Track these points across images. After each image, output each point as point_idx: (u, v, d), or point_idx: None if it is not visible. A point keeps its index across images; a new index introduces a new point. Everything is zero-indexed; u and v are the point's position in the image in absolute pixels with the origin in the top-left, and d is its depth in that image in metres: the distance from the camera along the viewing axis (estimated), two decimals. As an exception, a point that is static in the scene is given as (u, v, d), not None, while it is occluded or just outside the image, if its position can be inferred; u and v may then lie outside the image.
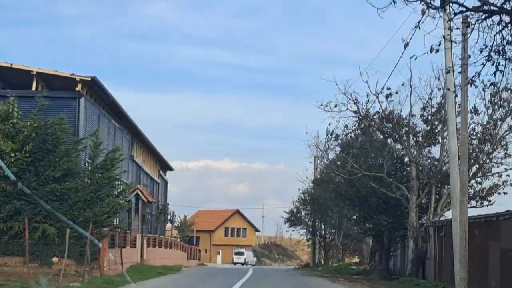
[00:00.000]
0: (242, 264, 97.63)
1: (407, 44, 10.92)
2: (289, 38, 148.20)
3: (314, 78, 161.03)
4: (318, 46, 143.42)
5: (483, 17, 9.82)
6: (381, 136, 35.40)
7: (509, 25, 9.86)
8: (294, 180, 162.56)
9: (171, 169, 60.84)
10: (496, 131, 30.88)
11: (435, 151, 33.36)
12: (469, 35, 12.04)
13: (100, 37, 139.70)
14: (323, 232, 57.43)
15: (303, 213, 55.45)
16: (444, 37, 12.70)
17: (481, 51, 10.24)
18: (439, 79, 31.51)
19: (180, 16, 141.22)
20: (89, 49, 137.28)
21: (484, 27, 9.94)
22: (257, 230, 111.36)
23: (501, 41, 9.98)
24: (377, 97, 31.05)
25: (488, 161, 31.78)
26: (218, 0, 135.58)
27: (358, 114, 33.39)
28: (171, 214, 59.52)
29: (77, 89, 30.72)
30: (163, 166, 59.27)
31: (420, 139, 33.07)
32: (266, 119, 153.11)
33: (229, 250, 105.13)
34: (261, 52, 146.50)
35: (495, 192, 32.97)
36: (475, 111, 30.86)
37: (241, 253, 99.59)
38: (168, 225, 64.33)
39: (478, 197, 33.04)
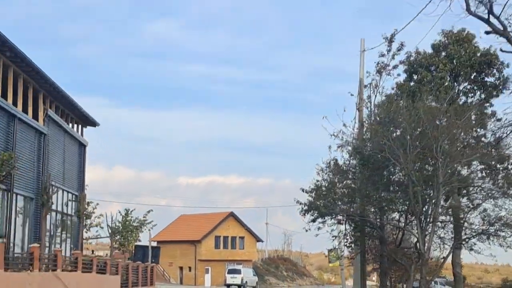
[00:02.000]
0: (239, 286, 70.69)
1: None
2: (293, 54, 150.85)
3: (319, 92, 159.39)
4: (322, 61, 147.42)
5: None
6: None
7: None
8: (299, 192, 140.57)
9: (92, 124, 33.94)
10: None
11: None
12: None
13: (104, 56, 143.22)
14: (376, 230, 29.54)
15: (339, 191, 27.95)
16: None
17: None
18: None
19: (184, 34, 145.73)
20: (92, 68, 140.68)
21: None
22: (259, 240, 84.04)
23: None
24: None
25: None
26: (221, 17, 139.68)
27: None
28: (89, 208, 32.77)
29: None
30: (80, 118, 32.60)
31: None
32: (270, 134, 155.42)
33: (221, 266, 77.85)
34: (265, 69, 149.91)
35: None
36: None
37: (237, 271, 72.34)
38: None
39: None
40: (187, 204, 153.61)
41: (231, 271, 72.50)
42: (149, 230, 40.25)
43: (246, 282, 72.02)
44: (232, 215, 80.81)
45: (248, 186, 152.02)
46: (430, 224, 24.76)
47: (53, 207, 27.33)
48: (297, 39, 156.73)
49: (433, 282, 79.44)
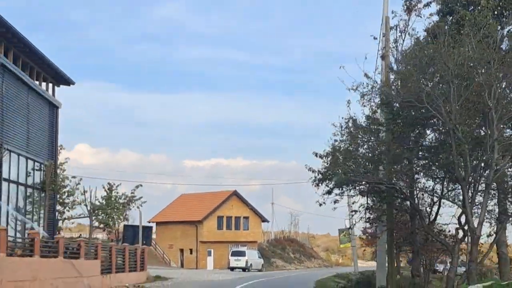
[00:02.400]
0: (243, 269, 65.95)
1: None
2: (300, 36, 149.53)
3: (325, 75, 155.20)
4: (329, 43, 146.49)
5: None
6: None
7: None
8: (306, 173, 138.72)
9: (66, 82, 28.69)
10: None
11: None
12: None
13: (110, 40, 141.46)
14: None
15: (360, 151, 22.40)
16: None
17: None
18: None
19: (190, 17, 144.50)
20: (99, 51, 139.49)
21: None
22: (264, 220, 79.00)
23: None
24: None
25: None
26: (228, 0, 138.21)
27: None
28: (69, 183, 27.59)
29: None
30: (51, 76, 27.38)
31: None
32: (276, 116, 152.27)
33: (224, 249, 72.97)
34: (271, 51, 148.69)
35: None
36: None
37: (241, 253, 67.53)
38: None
39: None
40: (192, 187, 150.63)
41: (235, 253, 67.65)
42: (139, 207, 35.19)
43: (251, 264, 67.22)
44: (235, 194, 75.73)
45: (254, 169, 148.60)
46: (479, 194, 19.54)
47: (5, 175, 22.15)
48: (303, 21, 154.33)
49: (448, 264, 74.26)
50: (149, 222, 76.91)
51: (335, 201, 23.43)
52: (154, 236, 77.31)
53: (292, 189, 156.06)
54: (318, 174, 23.08)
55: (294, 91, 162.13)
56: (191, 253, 73.22)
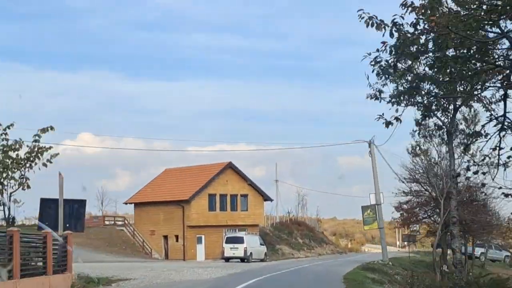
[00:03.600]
0: (242, 259, 52.44)
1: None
2: (300, 21, 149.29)
3: (326, 60, 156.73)
4: (330, 28, 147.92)
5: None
6: None
7: None
8: (313, 160, 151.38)
9: None
10: None
11: None
12: None
13: (109, 28, 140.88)
14: None
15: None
16: None
17: None
18: None
19: (189, 4, 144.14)
20: (98, 40, 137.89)
21: None
22: (267, 198, 64.70)
23: None
24: None
25: None
26: None
27: None
28: None
29: None
30: None
31: None
32: (278, 102, 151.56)
33: (218, 234, 59.01)
34: (273, 37, 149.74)
35: None
36: None
37: (238, 240, 53.62)
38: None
39: None
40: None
41: (231, 240, 53.74)
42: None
43: (251, 253, 53.35)
44: (230, 166, 61.49)
45: (257, 155, 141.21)
46: None
47: None
48: (304, 5, 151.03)
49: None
50: (126, 203, 62.98)
51: (397, 119, 15.71)
52: (132, 220, 63.43)
53: (298, 168, 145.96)
54: (379, 66, 14.13)
55: (296, 76, 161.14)
56: (177, 240, 59.21)
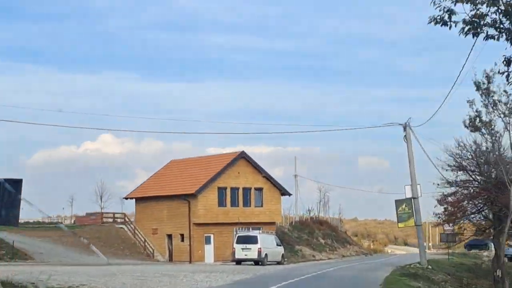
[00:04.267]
0: (256, 262, 45.31)
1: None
2: (319, 20, 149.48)
3: (346, 60, 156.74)
4: (348, 27, 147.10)
5: None
6: None
7: None
8: (333, 161, 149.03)
9: None
10: None
11: None
12: None
13: (129, 29, 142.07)
14: None
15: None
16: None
17: None
18: None
19: (209, 5, 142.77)
20: (118, 41, 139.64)
21: None
22: (284, 192, 57.26)
23: None
24: None
25: None
26: None
27: None
28: None
29: None
30: None
31: None
32: (298, 102, 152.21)
33: (229, 233, 51.85)
34: (292, 37, 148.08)
35: None
36: None
37: (251, 240, 46.45)
38: None
39: None
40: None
41: (243, 240, 46.56)
42: None
43: (266, 255, 46.16)
44: (243, 156, 54.25)
45: (277, 155, 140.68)
46: None
47: None
48: (324, 4, 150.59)
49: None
50: (127, 198, 56.08)
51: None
52: (131, 217, 56.50)
53: (317, 169, 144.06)
54: None
55: (315, 76, 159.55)
56: (182, 240, 52.13)
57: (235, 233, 49.46)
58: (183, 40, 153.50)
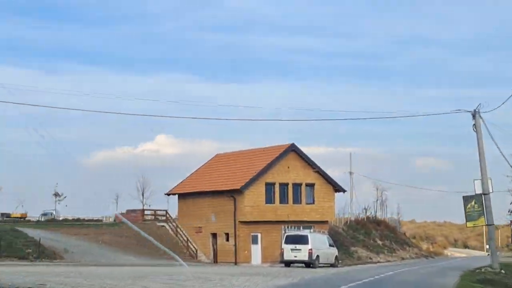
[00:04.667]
0: (306, 264, 41.19)
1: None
2: (375, 21, 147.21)
3: (400, 60, 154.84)
4: (404, 27, 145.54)
5: None
6: None
7: None
8: (389, 162, 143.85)
9: None
10: None
11: None
12: None
13: (183, 31, 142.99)
14: None
15: None
16: None
17: None
18: None
19: (261, 5, 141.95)
20: (173, 43, 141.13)
21: None
22: (338, 189, 52.71)
23: None
24: None
25: None
26: None
27: None
28: None
29: None
30: None
31: None
32: (353, 102, 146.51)
33: (278, 232, 47.74)
34: (345, 36, 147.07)
35: None
36: None
37: (301, 240, 42.34)
38: None
39: None
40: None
41: (292, 240, 42.43)
42: None
43: (318, 257, 41.96)
44: (293, 149, 50.06)
45: (334, 155, 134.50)
46: None
47: None
48: (378, 4, 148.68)
49: None
50: (169, 194, 52.63)
51: None
52: (173, 214, 52.96)
53: (373, 171, 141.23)
54: None
55: (369, 76, 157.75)
56: (227, 239, 48.29)
57: (283, 232, 45.38)
58: (235, 40, 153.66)
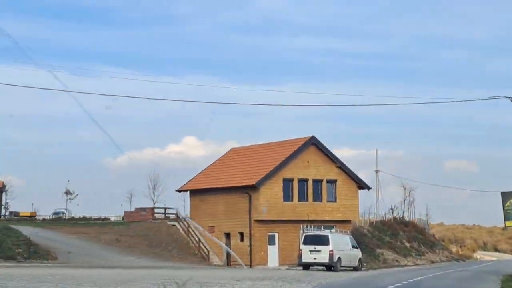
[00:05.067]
0: (327, 267, 37.44)
1: None
2: (402, 21, 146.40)
3: (429, 61, 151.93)
4: (432, 28, 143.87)
5: None
6: None
7: None
8: (417, 164, 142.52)
9: None
10: None
11: None
12: None
13: (211, 33, 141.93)
14: None
15: None
16: None
17: None
18: None
19: (289, 7, 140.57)
20: (200, 45, 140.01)
21: None
22: (362, 186, 48.72)
23: None
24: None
25: None
26: None
27: None
28: None
29: None
30: None
31: None
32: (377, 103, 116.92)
33: (295, 232, 43.82)
34: (373, 38, 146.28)
35: None
36: None
37: (321, 240, 38.53)
38: None
39: None
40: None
41: (311, 240, 38.65)
42: None
43: (339, 259, 38.14)
44: (314, 143, 46.30)
45: (358, 157, 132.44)
46: None
47: None
48: (406, 5, 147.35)
49: None
50: (180, 191, 49.18)
51: None
52: (186, 212, 49.44)
53: (401, 173, 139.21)
54: None
55: (398, 77, 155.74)
56: (241, 239, 44.66)
57: (301, 231, 41.62)
58: (263, 42, 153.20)
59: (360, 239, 49.01)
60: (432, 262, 60.28)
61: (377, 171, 70.51)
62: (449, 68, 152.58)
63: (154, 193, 54.07)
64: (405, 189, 74.02)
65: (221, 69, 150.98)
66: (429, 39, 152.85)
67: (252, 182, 43.34)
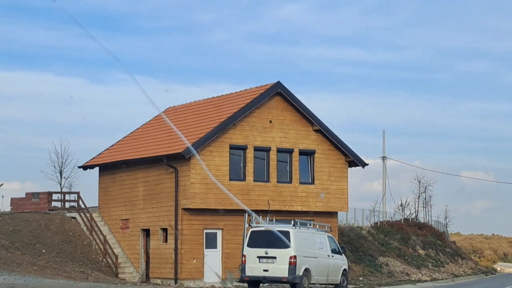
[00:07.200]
0: (292, 285, 20.62)
1: None
2: (423, 32, 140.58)
3: (449, 72, 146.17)
4: (454, 40, 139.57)
5: None
6: None
7: None
8: (433, 176, 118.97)
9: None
10: None
11: None
12: None
13: (231, 42, 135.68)
14: None
15: None
16: None
17: None
18: None
19: (311, 17, 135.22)
20: (219, 53, 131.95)
21: None
22: (356, 162, 32.48)
23: None
24: None
25: None
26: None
27: None
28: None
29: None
30: None
31: None
32: (399, 115, 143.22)
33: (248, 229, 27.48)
34: (393, 48, 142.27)
35: None
36: None
37: (277, 240, 22.37)
38: None
39: None
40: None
41: (262, 239, 22.94)
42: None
43: (308, 272, 22.29)
44: (279, 92, 30.16)
45: (373, 170, 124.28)
46: None
47: None
48: (429, 16, 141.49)
49: None
50: (84, 167, 33.50)
51: None
52: (88, 199, 33.76)
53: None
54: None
55: (417, 88, 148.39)
56: (165, 239, 28.79)
57: (247, 225, 25.47)
58: (284, 52, 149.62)
59: (358, 243, 35.25)
60: (455, 276, 44.72)
61: (384, 158, 54.67)
62: (471, 80, 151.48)
63: (61, 173, 38.07)
64: (419, 183, 57.80)
65: (239, 78, 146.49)
66: (449, 50, 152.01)
67: (179, 149, 27.54)
